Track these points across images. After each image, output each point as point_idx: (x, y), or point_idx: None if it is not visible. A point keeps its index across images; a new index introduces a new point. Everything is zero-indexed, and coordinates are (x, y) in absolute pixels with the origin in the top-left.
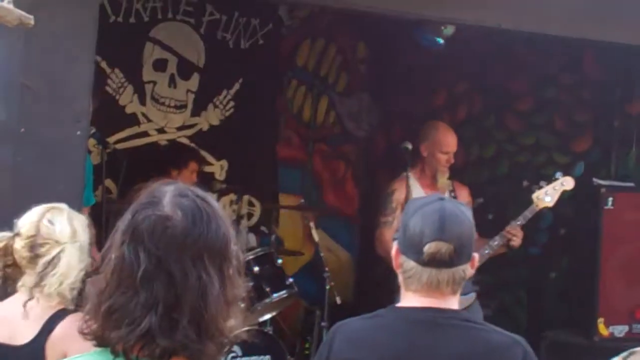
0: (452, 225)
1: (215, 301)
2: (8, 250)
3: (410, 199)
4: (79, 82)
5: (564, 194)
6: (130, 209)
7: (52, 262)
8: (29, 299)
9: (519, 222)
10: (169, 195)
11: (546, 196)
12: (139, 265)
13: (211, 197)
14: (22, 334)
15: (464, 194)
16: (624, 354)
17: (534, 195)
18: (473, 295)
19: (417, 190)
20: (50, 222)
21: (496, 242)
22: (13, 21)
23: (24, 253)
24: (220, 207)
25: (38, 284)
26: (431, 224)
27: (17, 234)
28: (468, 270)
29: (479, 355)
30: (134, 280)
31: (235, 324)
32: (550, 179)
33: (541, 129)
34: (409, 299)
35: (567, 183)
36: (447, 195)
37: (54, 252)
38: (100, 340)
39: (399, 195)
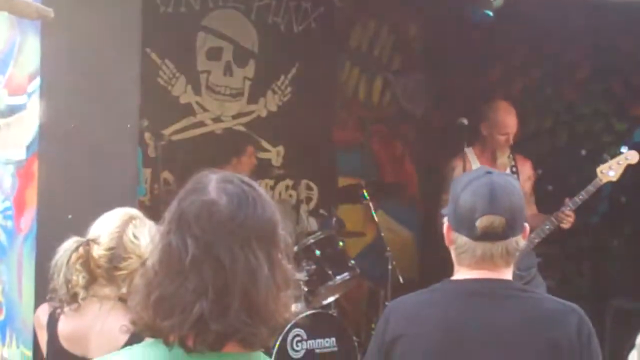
0: (502, 198)
1: (265, 284)
2: (86, 256)
3: (457, 176)
4: (127, 76)
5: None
6: (177, 197)
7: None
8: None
9: (581, 197)
10: (214, 181)
11: (610, 170)
12: (186, 251)
13: (256, 183)
14: (100, 348)
15: (526, 168)
16: None
17: (598, 170)
18: (534, 270)
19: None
20: (135, 236)
21: (547, 226)
22: (32, 14)
23: (102, 263)
24: (266, 192)
25: (122, 297)
26: (481, 198)
27: (94, 241)
28: (520, 241)
29: (534, 323)
30: (182, 266)
31: (287, 307)
32: (610, 151)
33: (599, 97)
34: (462, 273)
35: (631, 157)
36: (507, 170)
37: (135, 267)
38: (152, 331)
39: (459, 172)
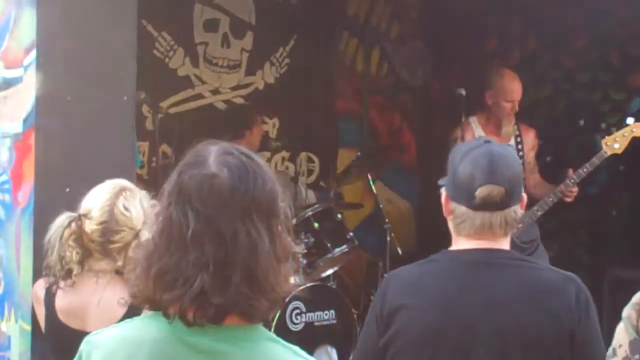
0: (501, 168)
1: (266, 257)
2: (78, 232)
3: (456, 145)
4: (123, 47)
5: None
6: (176, 169)
7: (135, 250)
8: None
9: (585, 169)
10: (214, 154)
11: (615, 143)
12: (187, 224)
13: (257, 155)
14: (99, 321)
15: (530, 136)
16: None
17: (603, 142)
18: (537, 241)
19: None
20: (125, 208)
21: (550, 199)
22: None
23: (96, 238)
24: (267, 164)
25: (119, 270)
26: (481, 168)
27: (86, 216)
28: (519, 210)
29: (531, 292)
30: (183, 240)
31: (287, 280)
32: (608, 121)
33: (597, 66)
34: (461, 243)
35: (637, 129)
36: (512, 141)
37: (128, 239)
38: (153, 304)
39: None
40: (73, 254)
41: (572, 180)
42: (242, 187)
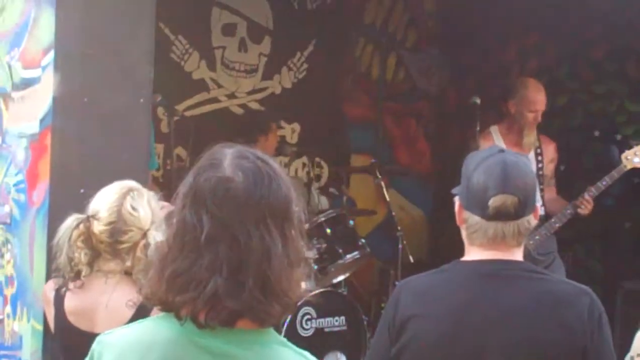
0: (515, 177)
1: (279, 262)
2: (87, 233)
3: (469, 154)
4: (140, 49)
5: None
6: (191, 172)
7: (144, 251)
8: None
9: (604, 182)
10: (229, 157)
11: (635, 157)
12: (201, 227)
13: (272, 159)
14: (107, 323)
15: (550, 150)
16: None
17: (623, 156)
18: (554, 254)
19: None
20: (133, 208)
21: (568, 211)
22: None
23: (104, 238)
24: (282, 169)
25: (128, 271)
26: (494, 178)
27: (94, 217)
28: (532, 220)
29: (544, 305)
30: (197, 243)
31: (299, 285)
32: (623, 132)
33: (613, 77)
34: (474, 253)
35: None
36: (532, 152)
37: (136, 239)
38: (165, 305)
39: None
40: (82, 255)
41: (592, 193)
42: (257, 191)
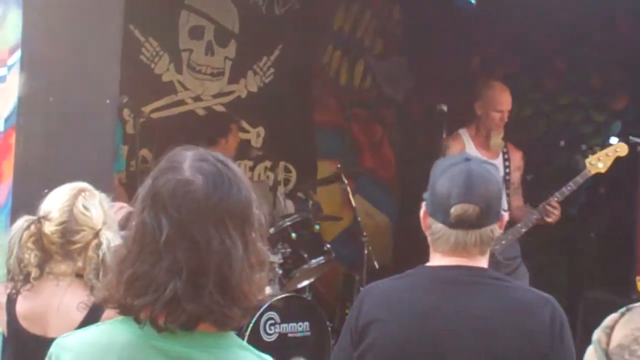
0: (478, 186)
1: (239, 265)
2: (38, 234)
3: (438, 160)
4: (107, 50)
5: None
6: (151, 174)
7: (96, 250)
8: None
9: (569, 187)
10: (189, 160)
11: (599, 162)
12: (160, 230)
13: (232, 162)
14: (59, 326)
15: (517, 157)
16: (622, 309)
17: (587, 161)
18: (519, 260)
19: (471, 150)
20: (85, 208)
21: (534, 216)
22: None
23: (56, 239)
24: (242, 172)
25: (80, 273)
26: (457, 186)
27: (46, 218)
28: (496, 230)
29: (506, 312)
30: (157, 246)
31: (261, 288)
32: (588, 142)
33: (577, 88)
34: (437, 259)
35: (620, 150)
36: (500, 157)
37: (88, 239)
38: (124, 308)
39: (454, 151)
40: (31, 257)
41: (557, 198)
42: (216, 194)
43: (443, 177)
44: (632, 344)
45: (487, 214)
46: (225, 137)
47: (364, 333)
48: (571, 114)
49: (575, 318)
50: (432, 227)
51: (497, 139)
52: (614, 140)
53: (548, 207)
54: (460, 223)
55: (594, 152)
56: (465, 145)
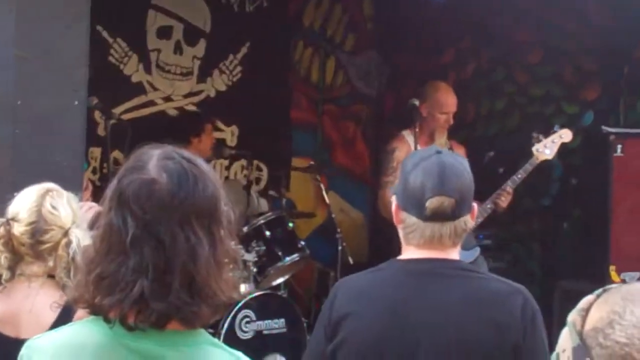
0: (452, 178)
1: (206, 263)
2: (7, 236)
3: (408, 154)
4: (75, 51)
5: (567, 145)
6: (117, 175)
7: (65, 249)
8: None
9: (519, 175)
10: (154, 158)
11: (545, 149)
12: (126, 230)
13: (200, 159)
14: (31, 327)
15: (460, 154)
16: (598, 291)
17: (534, 148)
18: (477, 249)
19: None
20: (53, 207)
21: (489, 205)
22: None
23: (25, 240)
24: (210, 168)
25: (51, 273)
26: (431, 179)
27: (14, 219)
28: (469, 221)
29: (478, 303)
30: (123, 245)
31: (230, 286)
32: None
33: (550, 80)
34: (410, 252)
35: (565, 136)
36: None
37: (58, 238)
38: (93, 308)
39: (399, 154)
40: (2, 259)
41: (508, 186)
42: (181, 192)
43: (416, 170)
44: (607, 327)
45: (461, 206)
46: (198, 136)
47: (337, 327)
48: (544, 105)
49: (550, 308)
50: (406, 221)
51: (440, 140)
52: (557, 127)
53: (501, 195)
54: (436, 216)
55: (539, 140)
56: (411, 146)
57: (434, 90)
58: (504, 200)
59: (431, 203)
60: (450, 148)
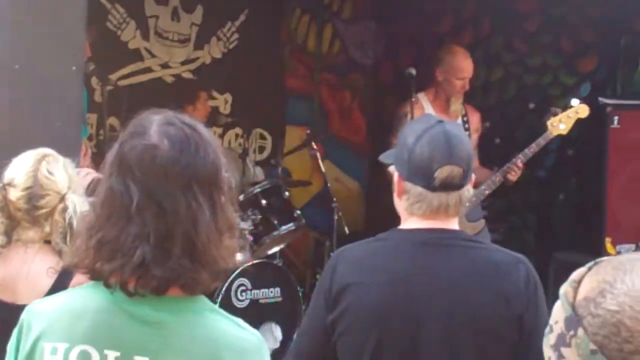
0: (458, 147)
1: (207, 229)
2: (3, 201)
3: (406, 124)
4: (73, 17)
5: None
6: (118, 140)
7: (62, 214)
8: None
9: (531, 149)
10: (155, 124)
11: (561, 124)
12: (129, 196)
13: (201, 125)
14: (28, 293)
15: (475, 119)
16: (590, 263)
17: (549, 122)
18: (482, 221)
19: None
20: (49, 172)
21: (497, 178)
22: None
23: (21, 205)
24: (211, 134)
25: (48, 238)
26: (439, 149)
27: (10, 185)
28: (470, 190)
29: (481, 273)
30: (124, 211)
31: (230, 252)
32: (558, 104)
33: (547, 50)
34: (412, 222)
35: (581, 111)
36: (459, 120)
37: (54, 204)
38: (94, 273)
39: (415, 116)
40: None
41: (519, 159)
42: (182, 158)
43: (421, 141)
44: (598, 296)
45: (467, 175)
46: (193, 104)
47: (338, 297)
48: (541, 76)
49: (546, 281)
50: (411, 192)
51: (457, 105)
52: (574, 102)
53: (512, 168)
54: (444, 186)
55: (555, 114)
56: (425, 109)
57: (450, 55)
58: (514, 175)
59: (441, 172)
60: (465, 113)
